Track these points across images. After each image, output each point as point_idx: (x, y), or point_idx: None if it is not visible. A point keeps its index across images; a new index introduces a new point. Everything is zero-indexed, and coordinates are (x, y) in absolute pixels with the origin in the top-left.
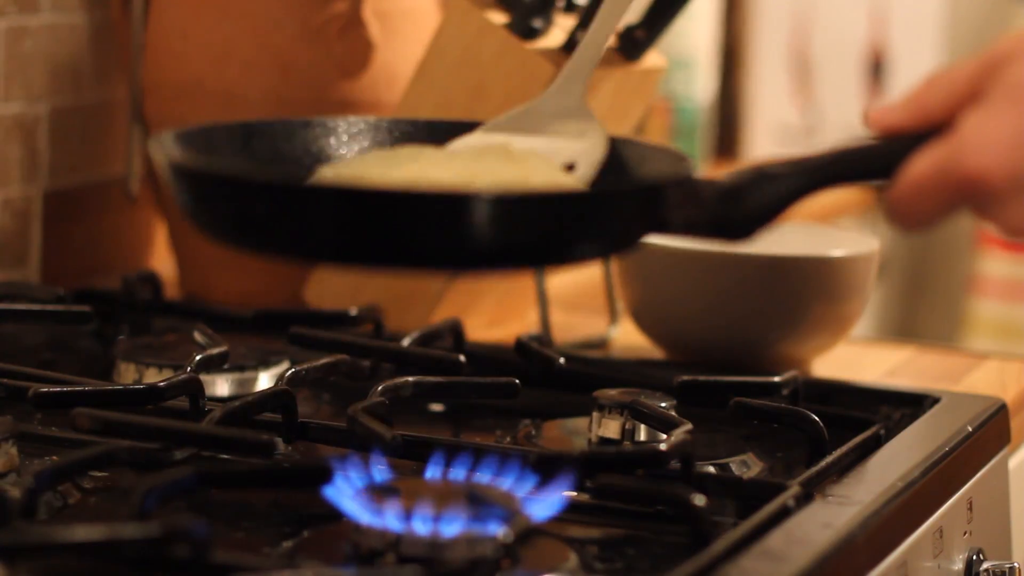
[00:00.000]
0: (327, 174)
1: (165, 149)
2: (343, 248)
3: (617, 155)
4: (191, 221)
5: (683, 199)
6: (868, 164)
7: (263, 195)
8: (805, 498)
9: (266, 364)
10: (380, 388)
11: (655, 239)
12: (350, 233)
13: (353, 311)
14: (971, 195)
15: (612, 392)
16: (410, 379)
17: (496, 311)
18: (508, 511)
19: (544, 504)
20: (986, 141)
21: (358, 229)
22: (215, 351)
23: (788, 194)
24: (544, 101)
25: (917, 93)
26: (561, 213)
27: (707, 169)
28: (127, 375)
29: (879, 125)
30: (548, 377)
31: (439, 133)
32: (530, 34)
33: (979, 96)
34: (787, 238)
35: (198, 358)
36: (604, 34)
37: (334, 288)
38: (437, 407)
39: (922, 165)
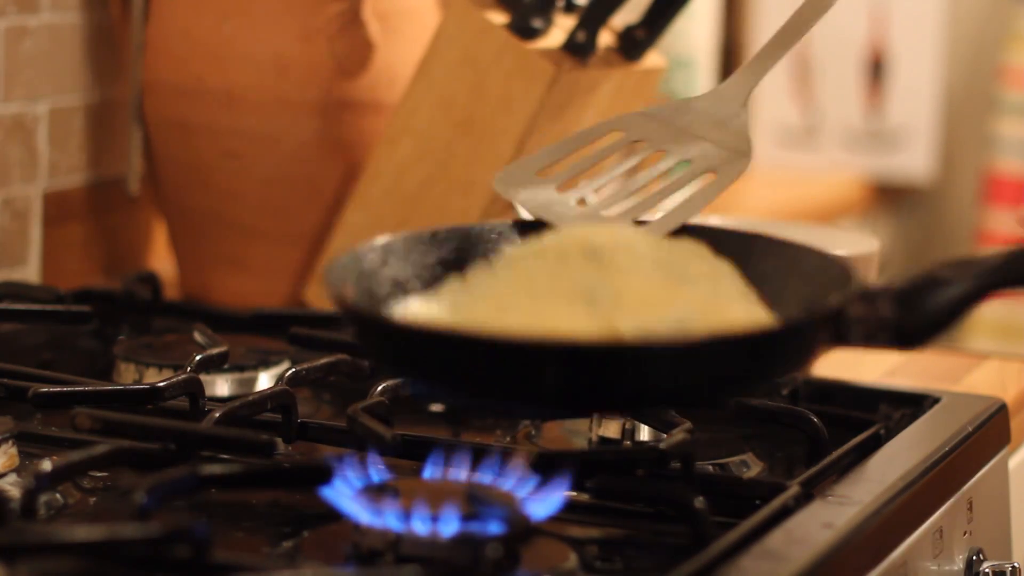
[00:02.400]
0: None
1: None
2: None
3: (767, 259)
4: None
5: (862, 313)
6: None
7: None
8: (805, 498)
9: (266, 364)
10: (380, 388)
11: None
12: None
13: None
14: None
15: None
16: None
17: None
18: (508, 511)
19: (544, 504)
20: None
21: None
22: (215, 351)
23: (962, 299)
24: (704, 100)
25: None
26: (756, 351)
27: None
28: (127, 375)
29: None
30: None
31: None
32: (530, 34)
33: None
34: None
35: (198, 358)
36: (790, 41)
37: None
38: (437, 407)
39: None
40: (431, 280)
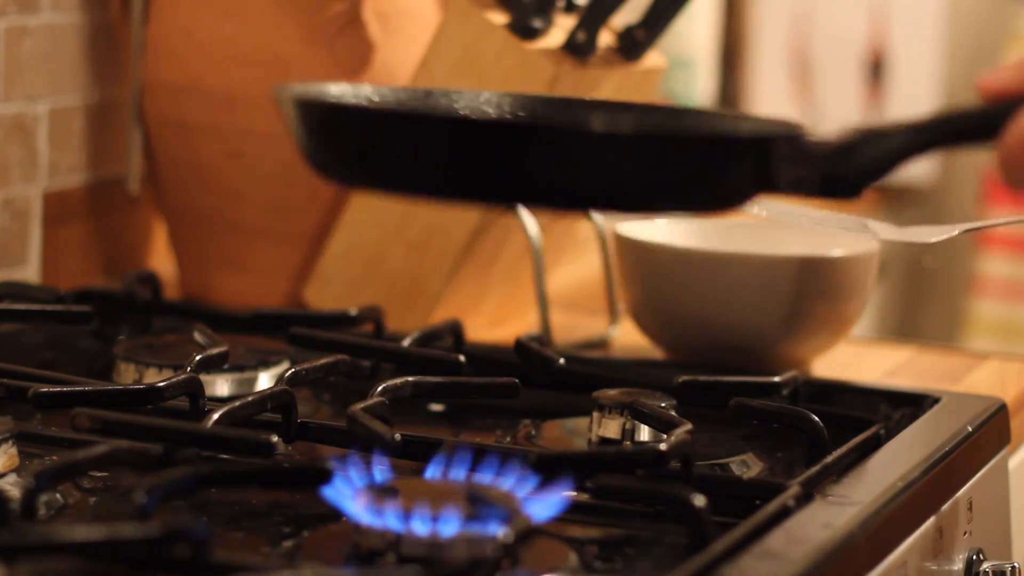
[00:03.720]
0: None
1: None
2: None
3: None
4: (309, 161)
5: (792, 155)
6: (977, 124)
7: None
8: (805, 498)
9: (266, 364)
10: (380, 388)
11: (656, 237)
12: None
13: (353, 311)
14: None
15: (612, 392)
16: (410, 379)
17: (496, 311)
18: (508, 511)
19: (544, 504)
20: None
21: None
22: (215, 351)
23: (897, 152)
24: None
25: None
26: (670, 154)
27: None
28: (127, 375)
29: (988, 88)
30: (548, 377)
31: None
32: (530, 34)
33: None
34: (787, 238)
35: (198, 358)
36: None
37: (334, 288)
38: (437, 407)
39: None
40: None
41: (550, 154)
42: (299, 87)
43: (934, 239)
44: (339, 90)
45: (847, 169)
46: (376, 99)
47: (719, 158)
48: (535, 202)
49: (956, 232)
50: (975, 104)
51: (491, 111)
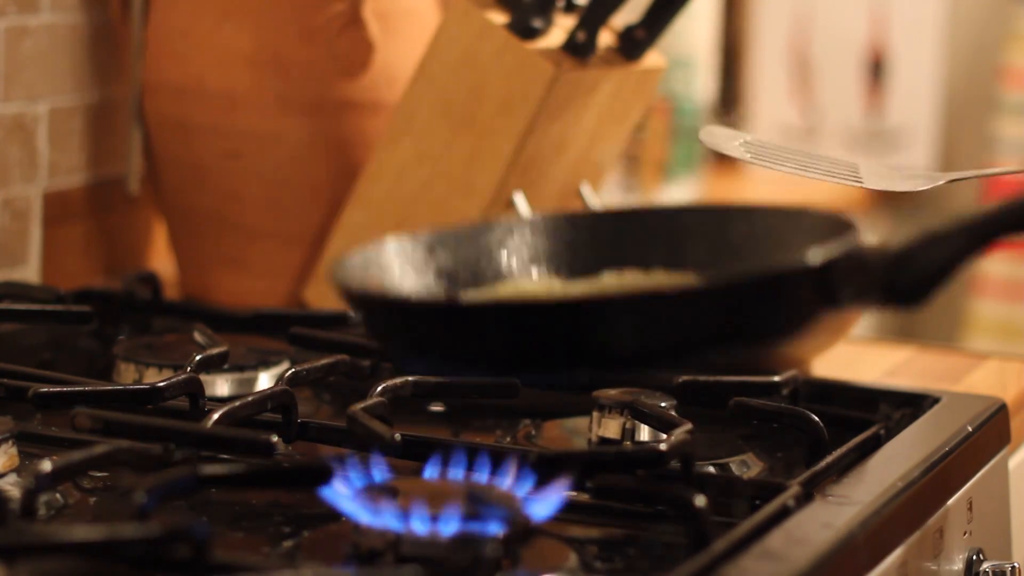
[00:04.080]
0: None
1: (342, 275)
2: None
3: (776, 225)
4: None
5: (853, 269)
6: None
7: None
8: (805, 498)
9: (266, 364)
10: (380, 388)
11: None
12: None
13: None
14: None
15: (612, 392)
16: (410, 379)
17: None
18: (508, 511)
19: (544, 504)
20: None
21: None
22: (215, 351)
23: (957, 254)
24: None
25: None
26: (727, 304)
27: (707, 169)
28: (127, 375)
29: None
30: None
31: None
32: (530, 34)
33: None
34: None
35: (198, 358)
36: None
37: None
38: (437, 407)
39: None
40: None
41: (625, 325)
42: (346, 272)
43: (921, 187)
44: (383, 271)
45: (909, 277)
46: (421, 288)
47: (782, 296)
48: (612, 371)
49: (942, 181)
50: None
51: (549, 286)
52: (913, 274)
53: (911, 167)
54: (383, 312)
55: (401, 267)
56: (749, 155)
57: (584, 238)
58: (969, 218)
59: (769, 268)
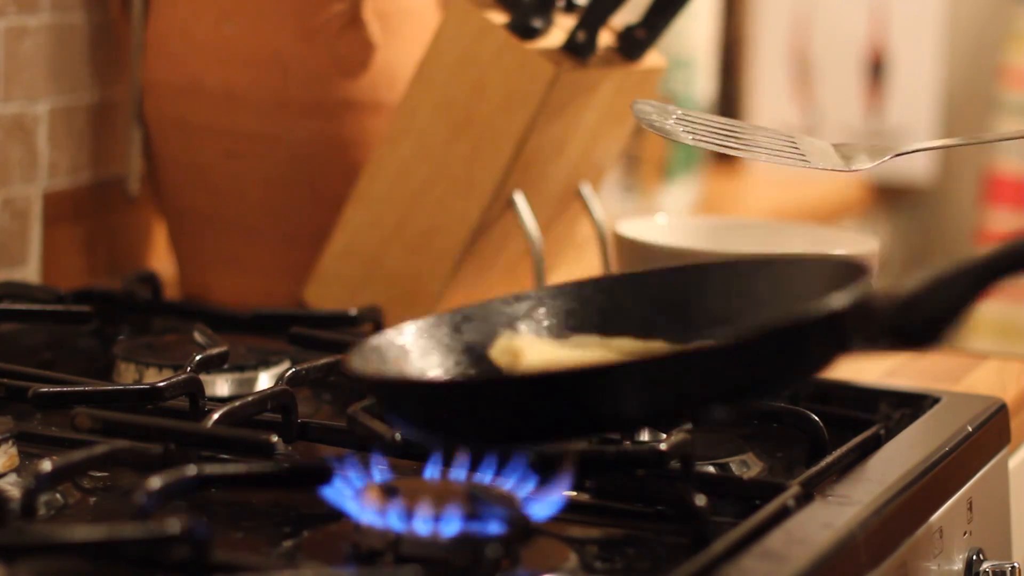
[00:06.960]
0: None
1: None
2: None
3: (783, 275)
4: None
5: (862, 316)
6: None
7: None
8: (805, 498)
9: (266, 364)
10: None
11: (656, 237)
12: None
13: (353, 311)
14: None
15: None
16: None
17: None
18: (508, 511)
19: (544, 504)
20: None
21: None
22: (215, 351)
23: (963, 296)
24: None
25: None
26: (739, 360)
27: (707, 169)
28: (127, 375)
29: None
30: None
31: None
32: (530, 34)
33: None
34: (788, 238)
35: (198, 358)
36: None
37: (334, 288)
38: None
39: None
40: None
41: (639, 389)
42: (363, 358)
43: (865, 166)
44: (382, 360)
45: (917, 321)
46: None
47: (793, 348)
48: (630, 429)
49: (887, 157)
50: None
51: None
52: (921, 318)
53: (849, 143)
54: (392, 396)
55: (424, 348)
56: (691, 137)
57: (593, 300)
58: (972, 261)
59: (779, 322)
